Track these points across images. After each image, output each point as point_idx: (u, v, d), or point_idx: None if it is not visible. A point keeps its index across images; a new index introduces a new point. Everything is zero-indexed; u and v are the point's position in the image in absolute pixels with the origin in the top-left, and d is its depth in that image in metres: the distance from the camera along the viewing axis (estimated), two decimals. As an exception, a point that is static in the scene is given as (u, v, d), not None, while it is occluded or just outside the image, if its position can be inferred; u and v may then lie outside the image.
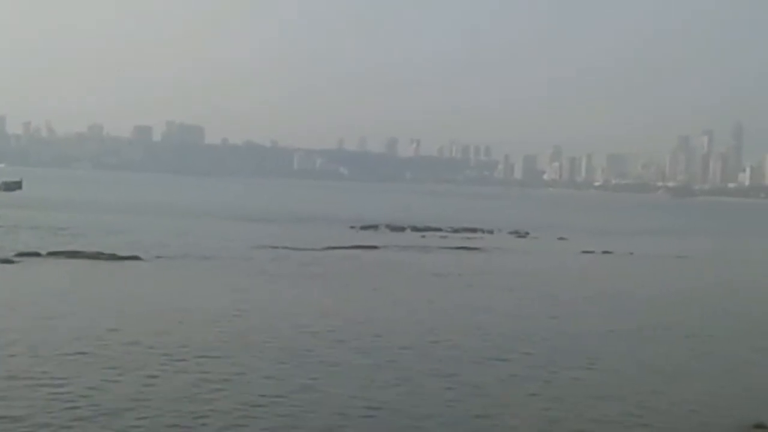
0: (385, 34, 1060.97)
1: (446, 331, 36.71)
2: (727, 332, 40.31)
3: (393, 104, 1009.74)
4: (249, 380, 26.81)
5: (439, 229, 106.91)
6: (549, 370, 30.04)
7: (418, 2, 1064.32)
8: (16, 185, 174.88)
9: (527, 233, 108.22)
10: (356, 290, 49.86)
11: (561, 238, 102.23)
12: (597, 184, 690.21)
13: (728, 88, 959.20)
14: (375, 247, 77.97)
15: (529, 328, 38.63)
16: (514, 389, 27.41)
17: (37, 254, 59.17)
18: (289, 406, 24.16)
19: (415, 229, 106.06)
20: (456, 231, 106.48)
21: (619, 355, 33.43)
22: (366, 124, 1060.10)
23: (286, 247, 73.86)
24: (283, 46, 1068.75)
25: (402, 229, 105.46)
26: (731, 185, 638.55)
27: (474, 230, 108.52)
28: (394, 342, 33.76)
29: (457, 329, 37.36)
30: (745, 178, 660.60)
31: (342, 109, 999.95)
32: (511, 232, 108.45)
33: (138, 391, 24.72)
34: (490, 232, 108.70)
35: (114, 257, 59.17)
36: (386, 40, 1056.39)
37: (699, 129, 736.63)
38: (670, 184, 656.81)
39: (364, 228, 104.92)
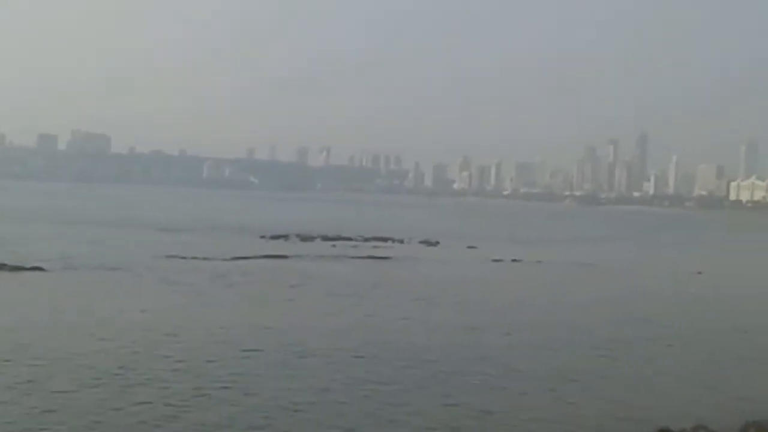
0: (295, 39, 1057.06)
1: (359, 341, 36.89)
2: (634, 338, 41.34)
3: (303, 113, 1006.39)
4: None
5: (350, 239, 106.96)
6: (459, 377, 30.47)
7: (325, 5, 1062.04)
8: None
9: (437, 242, 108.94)
10: (268, 301, 49.67)
11: (471, 247, 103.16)
12: (506, 192, 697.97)
13: (633, 98, 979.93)
14: (285, 257, 77.79)
15: (441, 337, 39.07)
16: (423, 396, 27.75)
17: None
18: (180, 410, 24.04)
19: (325, 238, 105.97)
20: (367, 240, 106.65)
21: (526, 363, 34.04)
22: (276, 133, 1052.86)
23: (195, 257, 73.15)
24: (192, 53, 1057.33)
25: (312, 238, 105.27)
26: (636, 194, 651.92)
27: (385, 239, 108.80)
28: (307, 352, 33.81)
29: (371, 339, 37.56)
30: (649, 186, 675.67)
31: (252, 118, 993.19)
32: (421, 241, 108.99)
33: None
34: (401, 241, 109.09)
35: (19, 268, 58.01)
36: (296, 45, 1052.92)
37: (605, 139, 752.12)
38: (578, 193, 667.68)
39: (274, 237, 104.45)
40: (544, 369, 33.06)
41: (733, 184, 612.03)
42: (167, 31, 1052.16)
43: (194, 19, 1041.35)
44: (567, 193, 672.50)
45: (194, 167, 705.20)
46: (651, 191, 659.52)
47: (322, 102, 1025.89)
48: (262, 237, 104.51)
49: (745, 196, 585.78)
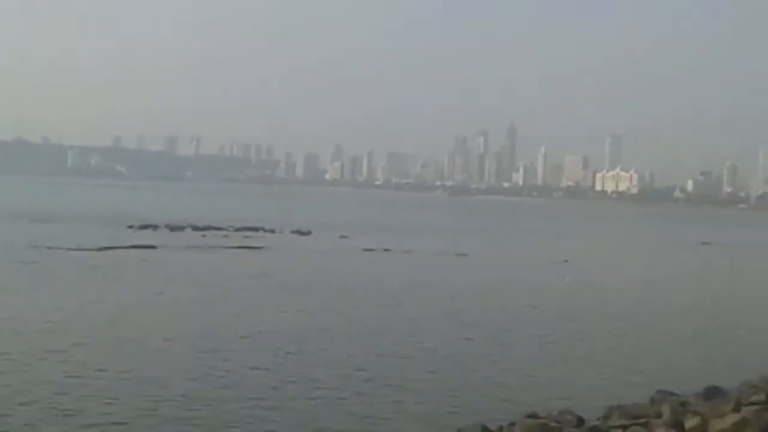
0: (163, 22, 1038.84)
1: (231, 335, 36.66)
2: (506, 326, 42.21)
3: (173, 100, 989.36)
4: None
5: (221, 229, 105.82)
6: (343, 368, 30.59)
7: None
8: None
9: (309, 232, 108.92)
10: (138, 292, 48.75)
11: (343, 237, 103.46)
12: (378, 183, 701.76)
13: (502, 90, 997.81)
14: (154, 247, 76.54)
15: (321, 326, 39.15)
16: (292, 393, 27.78)
17: None
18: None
19: (195, 228, 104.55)
20: (238, 230, 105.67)
21: (399, 346, 34.39)
22: (144, 121, 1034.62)
23: (60, 248, 71.34)
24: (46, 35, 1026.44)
25: (182, 228, 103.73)
26: (506, 184, 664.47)
27: (256, 229, 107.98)
28: (173, 349, 33.35)
29: (243, 331, 37.33)
30: (518, 177, 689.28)
31: (119, 104, 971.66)
32: (293, 231, 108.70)
33: None
34: (273, 231, 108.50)
35: None
36: (164, 28, 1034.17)
37: (476, 130, 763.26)
38: (449, 183, 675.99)
39: (142, 227, 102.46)
40: (420, 353, 33.51)
41: (599, 175, 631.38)
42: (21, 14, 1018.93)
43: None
44: (438, 183, 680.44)
45: (58, 156, 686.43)
46: (520, 182, 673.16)
47: (192, 90, 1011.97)
48: (130, 227, 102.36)
49: (610, 187, 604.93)
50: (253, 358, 31.55)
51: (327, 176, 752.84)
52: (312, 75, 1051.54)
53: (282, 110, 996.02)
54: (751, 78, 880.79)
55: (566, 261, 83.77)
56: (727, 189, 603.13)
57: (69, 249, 71.28)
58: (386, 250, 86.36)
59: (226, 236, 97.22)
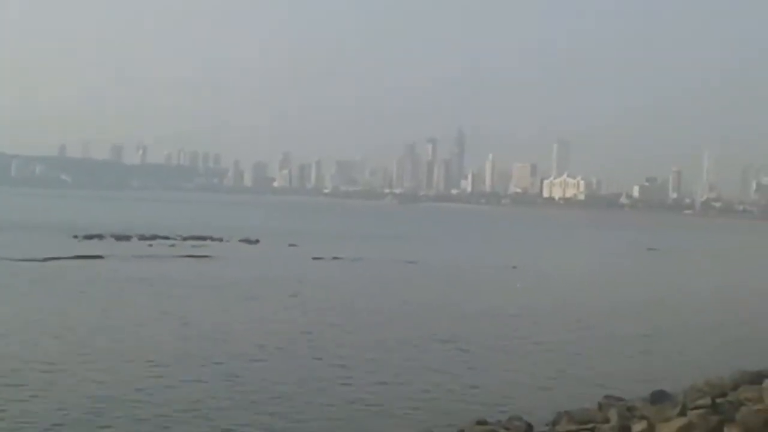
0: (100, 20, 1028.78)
1: (171, 344, 36.41)
2: (456, 332, 42.37)
3: (119, 109, 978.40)
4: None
5: (168, 238, 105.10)
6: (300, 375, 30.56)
7: None
8: None
9: (258, 240, 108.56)
10: (82, 303, 48.23)
11: (292, 245, 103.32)
12: (326, 190, 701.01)
13: (450, 97, 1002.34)
14: (100, 257, 75.78)
15: (266, 337, 39.02)
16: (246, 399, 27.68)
17: None
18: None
19: (142, 237, 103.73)
20: (185, 239, 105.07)
21: (344, 358, 34.38)
22: (89, 129, 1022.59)
23: (3, 258, 70.30)
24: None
25: (128, 237, 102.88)
26: (454, 191, 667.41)
27: (204, 238, 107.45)
28: (115, 361, 33.05)
29: (191, 342, 37.13)
30: (467, 184, 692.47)
31: (63, 113, 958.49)
32: (241, 240, 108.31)
33: None
34: (221, 239, 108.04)
35: None
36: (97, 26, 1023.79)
37: (424, 137, 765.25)
38: (398, 190, 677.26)
39: (88, 237, 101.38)
40: (367, 363, 33.52)
41: (546, 182, 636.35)
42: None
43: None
44: (387, 190, 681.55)
45: (2, 165, 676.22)
46: (469, 189, 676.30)
47: (136, 98, 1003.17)
48: (75, 237, 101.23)
49: (557, 194, 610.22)
50: (196, 371, 31.34)
51: (275, 184, 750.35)
52: (258, 76, 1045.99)
53: (229, 118, 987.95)
54: (693, 79, 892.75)
55: (515, 267, 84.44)
56: (673, 195, 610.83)
57: (12, 259, 70.25)
58: (336, 258, 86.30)
59: (173, 245, 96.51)
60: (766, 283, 79.72)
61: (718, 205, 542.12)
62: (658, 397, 27.82)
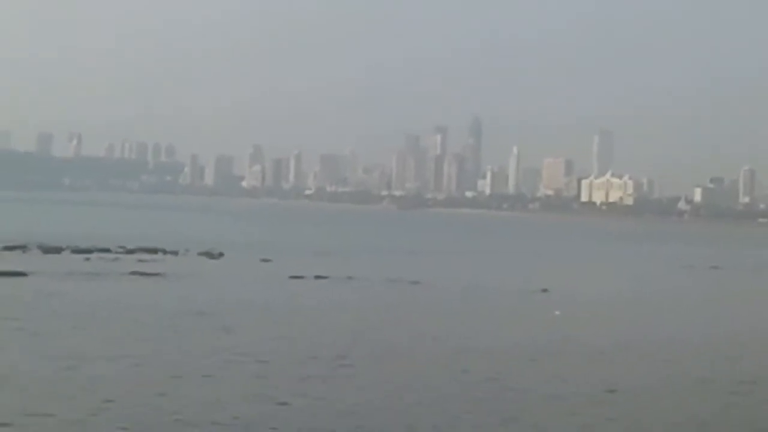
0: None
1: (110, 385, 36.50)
2: (477, 375, 42.44)
3: (46, 89, 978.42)
4: None
5: (108, 250, 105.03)
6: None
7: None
8: None
9: (221, 254, 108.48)
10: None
11: (265, 260, 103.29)
12: (309, 192, 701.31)
13: (465, 72, 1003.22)
14: (22, 274, 75.73)
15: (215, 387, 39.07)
16: None
17: None
18: None
19: (76, 250, 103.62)
20: (130, 252, 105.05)
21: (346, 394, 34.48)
22: (9, 114, 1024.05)
23: None
24: None
25: (59, 250, 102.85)
26: (469, 194, 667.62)
27: (154, 251, 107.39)
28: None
29: (124, 385, 37.15)
30: (485, 185, 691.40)
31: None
32: (201, 253, 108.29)
33: None
34: (175, 253, 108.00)
35: None
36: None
37: (431, 126, 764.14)
38: (398, 192, 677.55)
39: (8, 248, 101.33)
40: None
41: (585, 182, 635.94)
42: None
43: None
44: (385, 192, 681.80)
45: None
46: (487, 191, 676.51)
47: (69, 76, 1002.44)
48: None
49: (598, 197, 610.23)
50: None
51: (244, 184, 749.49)
52: (221, 49, 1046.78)
53: (186, 100, 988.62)
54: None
55: (545, 290, 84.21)
56: (744, 199, 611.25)
57: None
58: (319, 277, 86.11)
59: (115, 260, 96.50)
60: None
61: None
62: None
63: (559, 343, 52.94)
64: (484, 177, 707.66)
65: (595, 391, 39.96)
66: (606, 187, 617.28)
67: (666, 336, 59.19)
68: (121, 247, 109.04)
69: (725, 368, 47.05)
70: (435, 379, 40.32)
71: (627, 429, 33.28)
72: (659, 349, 52.61)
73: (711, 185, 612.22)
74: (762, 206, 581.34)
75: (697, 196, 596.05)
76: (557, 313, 67.65)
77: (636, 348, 52.71)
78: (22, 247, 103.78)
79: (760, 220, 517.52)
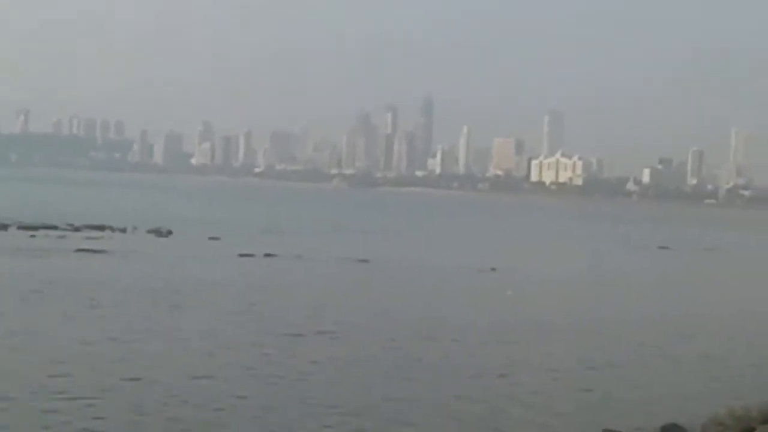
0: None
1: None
2: (425, 356, 42.59)
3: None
4: None
5: (56, 227, 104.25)
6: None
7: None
8: None
9: (170, 232, 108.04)
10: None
11: (213, 238, 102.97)
12: (258, 170, 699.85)
13: (416, 58, 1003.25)
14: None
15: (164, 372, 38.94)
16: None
17: None
18: None
19: (22, 226, 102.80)
20: (77, 229, 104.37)
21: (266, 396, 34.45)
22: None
23: None
24: None
25: (4, 227, 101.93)
26: (419, 173, 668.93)
27: (101, 228, 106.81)
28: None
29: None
30: (435, 164, 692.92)
31: None
32: (150, 231, 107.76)
33: None
34: (123, 230, 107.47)
35: None
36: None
37: (382, 105, 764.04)
38: (348, 171, 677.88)
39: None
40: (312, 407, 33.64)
41: (535, 162, 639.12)
42: None
43: None
44: (335, 171, 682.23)
45: None
46: (437, 170, 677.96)
47: (16, 53, 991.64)
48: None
49: (548, 177, 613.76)
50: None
51: (193, 161, 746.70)
52: (170, 23, 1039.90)
53: (134, 76, 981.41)
54: (719, 40, 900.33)
55: (494, 269, 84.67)
56: (692, 180, 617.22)
57: None
58: (269, 255, 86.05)
59: (62, 237, 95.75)
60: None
61: (747, 193, 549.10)
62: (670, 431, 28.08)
63: (512, 323, 53.22)
64: (434, 156, 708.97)
65: (543, 370, 40.26)
66: (556, 168, 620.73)
67: (620, 315, 59.73)
68: (68, 224, 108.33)
69: (638, 346, 47.51)
70: (385, 357, 40.41)
71: (587, 407, 33.46)
72: (614, 328, 53.03)
73: (659, 166, 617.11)
74: (709, 187, 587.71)
75: (646, 176, 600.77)
76: (509, 293, 67.96)
77: (588, 327, 53.06)
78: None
79: (707, 201, 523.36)
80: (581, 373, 39.67)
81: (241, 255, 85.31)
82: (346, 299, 60.38)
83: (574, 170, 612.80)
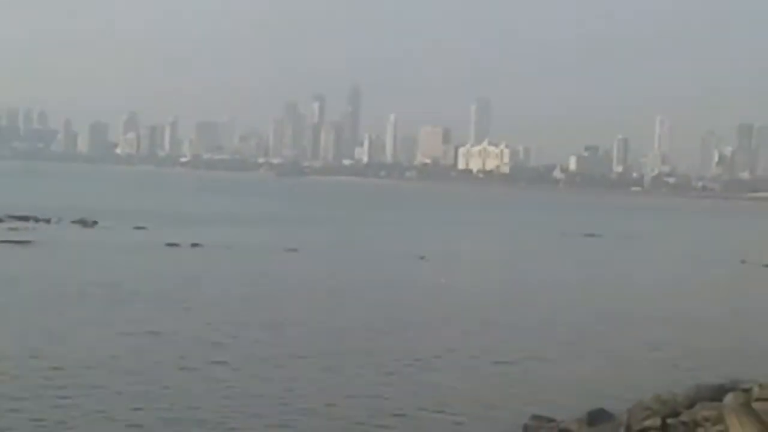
0: None
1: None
2: (343, 342, 42.63)
3: None
4: None
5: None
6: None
7: None
8: None
9: (96, 222, 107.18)
10: None
11: (139, 228, 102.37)
12: (184, 159, 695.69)
13: (344, 48, 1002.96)
14: None
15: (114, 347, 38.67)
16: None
17: None
18: None
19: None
20: (0, 220, 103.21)
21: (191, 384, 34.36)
22: None
23: None
24: None
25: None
26: (347, 162, 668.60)
27: (25, 219, 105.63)
28: None
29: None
30: (362, 153, 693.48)
31: None
32: (75, 221, 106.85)
33: None
34: (47, 221, 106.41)
35: None
36: None
37: (309, 94, 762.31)
38: (275, 160, 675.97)
39: None
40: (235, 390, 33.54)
41: (462, 150, 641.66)
42: None
43: None
44: (262, 160, 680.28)
45: None
46: (365, 159, 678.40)
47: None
48: None
49: (476, 165, 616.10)
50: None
51: (118, 151, 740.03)
52: (92, 9, 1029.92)
53: (57, 63, 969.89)
54: (644, 26, 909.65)
55: (422, 257, 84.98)
56: (618, 168, 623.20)
57: None
58: (195, 245, 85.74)
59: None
60: (729, 280, 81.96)
61: (672, 180, 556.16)
62: (597, 417, 28.31)
63: (443, 311, 53.50)
64: (361, 145, 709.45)
65: (473, 357, 40.47)
66: (483, 156, 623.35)
67: (549, 303, 60.24)
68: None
69: (565, 332, 48.07)
70: (312, 348, 40.40)
71: (517, 394, 33.70)
72: (544, 316, 53.51)
73: (586, 154, 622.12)
74: (635, 175, 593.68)
75: (572, 164, 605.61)
76: (443, 280, 68.31)
77: (518, 316, 53.46)
78: None
79: (633, 188, 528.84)
80: (511, 360, 39.91)
81: (168, 244, 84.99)
82: (276, 288, 60.31)
83: (501, 158, 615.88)
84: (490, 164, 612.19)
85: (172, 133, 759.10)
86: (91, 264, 68.74)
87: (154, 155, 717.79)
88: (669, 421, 25.96)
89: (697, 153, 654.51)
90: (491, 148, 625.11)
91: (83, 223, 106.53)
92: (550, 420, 28.54)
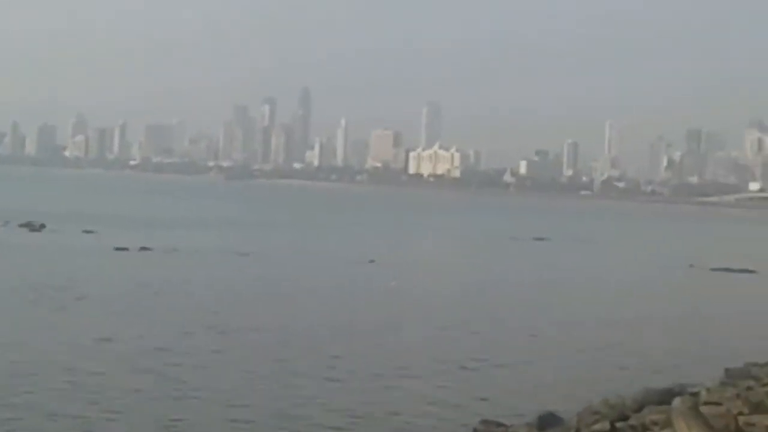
0: None
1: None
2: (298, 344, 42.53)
3: None
4: None
5: None
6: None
7: None
8: None
9: (43, 225, 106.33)
10: None
11: (87, 231, 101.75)
12: (133, 162, 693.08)
13: (297, 52, 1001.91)
14: None
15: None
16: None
17: None
18: None
19: None
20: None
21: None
22: None
23: None
24: None
25: None
26: (297, 165, 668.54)
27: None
28: None
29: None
30: (313, 156, 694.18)
31: None
32: (22, 225, 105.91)
33: None
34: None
35: None
36: None
37: (260, 97, 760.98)
38: (225, 163, 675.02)
39: None
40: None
41: (413, 154, 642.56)
42: None
43: None
44: (212, 163, 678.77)
45: None
46: (315, 162, 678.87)
47: None
48: None
49: (426, 169, 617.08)
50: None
51: (67, 154, 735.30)
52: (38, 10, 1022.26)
53: (4, 65, 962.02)
54: (594, 30, 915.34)
55: (372, 261, 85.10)
56: (568, 172, 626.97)
57: None
58: (144, 248, 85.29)
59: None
60: (678, 284, 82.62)
61: (621, 185, 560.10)
62: (547, 421, 28.44)
63: (392, 316, 53.55)
64: (312, 149, 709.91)
65: (425, 360, 40.51)
66: (434, 160, 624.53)
67: (501, 306, 60.55)
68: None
69: (515, 336, 48.28)
70: (265, 354, 40.29)
71: (465, 398, 33.76)
72: (495, 318, 53.72)
73: (536, 158, 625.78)
74: (584, 179, 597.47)
75: (523, 168, 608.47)
76: (393, 283, 68.34)
77: (467, 317, 53.62)
78: None
79: (583, 192, 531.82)
80: (460, 364, 39.98)
81: (117, 249, 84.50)
82: (227, 293, 60.05)
83: (451, 162, 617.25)
84: (441, 168, 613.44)
85: (122, 135, 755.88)
86: (38, 268, 68.15)
87: (103, 158, 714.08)
88: (618, 425, 26.10)
89: (647, 157, 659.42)
90: (442, 152, 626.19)
91: (30, 226, 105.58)
92: (500, 425, 28.62)
